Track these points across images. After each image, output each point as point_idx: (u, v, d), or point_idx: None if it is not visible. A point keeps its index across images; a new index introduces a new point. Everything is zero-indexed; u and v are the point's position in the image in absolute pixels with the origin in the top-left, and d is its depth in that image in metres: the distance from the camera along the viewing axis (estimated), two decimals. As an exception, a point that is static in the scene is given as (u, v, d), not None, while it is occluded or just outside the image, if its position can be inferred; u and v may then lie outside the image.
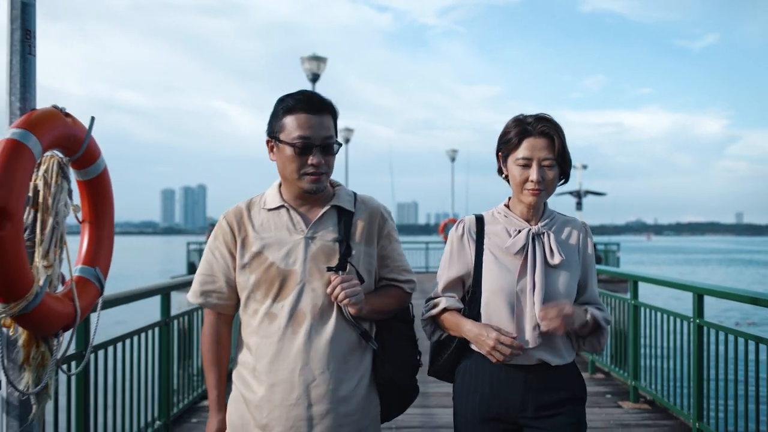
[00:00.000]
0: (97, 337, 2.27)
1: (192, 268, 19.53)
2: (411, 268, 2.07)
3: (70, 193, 1.94)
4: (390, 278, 2.00)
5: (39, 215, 1.83)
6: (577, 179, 29.64)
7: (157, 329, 4.04)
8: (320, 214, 1.91)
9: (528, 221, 2.02)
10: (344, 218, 1.92)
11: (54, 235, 1.85)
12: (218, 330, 1.97)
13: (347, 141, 23.75)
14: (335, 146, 1.89)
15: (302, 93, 1.88)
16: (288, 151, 1.85)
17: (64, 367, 2.10)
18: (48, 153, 1.88)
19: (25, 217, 1.78)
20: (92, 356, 3.14)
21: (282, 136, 1.86)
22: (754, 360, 3.41)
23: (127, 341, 3.61)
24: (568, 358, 1.99)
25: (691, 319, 4.11)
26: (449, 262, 2.05)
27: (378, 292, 1.96)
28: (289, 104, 1.86)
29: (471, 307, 2.00)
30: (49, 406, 1.98)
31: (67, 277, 1.96)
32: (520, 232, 1.99)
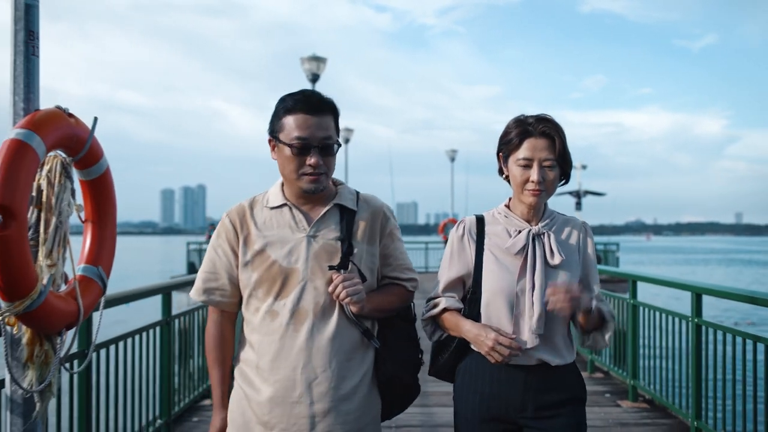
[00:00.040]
0: (97, 336, 2.28)
1: (192, 268, 19.52)
2: (413, 266, 2.07)
3: (73, 192, 1.96)
4: (392, 276, 2.01)
5: (42, 215, 1.85)
6: (576, 179, 29.66)
7: (158, 328, 4.06)
8: (322, 212, 1.92)
9: (528, 222, 2.02)
10: (346, 217, 1.93)
11: (57, 235, 1.87)
12: (221, 327, 1.98)
13: (347, 141, 23.75)
14: (334, 146, 1.88)
15: (302, 93, 1.88)
16: (287, 151, 1.85)
17: (67, 365, 2.12)
18: (51, 153, 1.89)
19: (28, 216, 1.79)
20: (94, 355, 3.16)
21: (281, 136, 1.86)
22: (752, 359, 3.43)
23: (129, 340, 3.62)
24: (568, 359, 1.99)
25: (690, 319, 4.13)
26: (449, 262, 2.06)
27: (380, 291, 1.97)
28: (288, 104, 1.86)
29: (471, 308, 2.00)
30: (52, 404, 1.99)
31: (70, 276, 1.98)
32: (520, 232, 1.99)
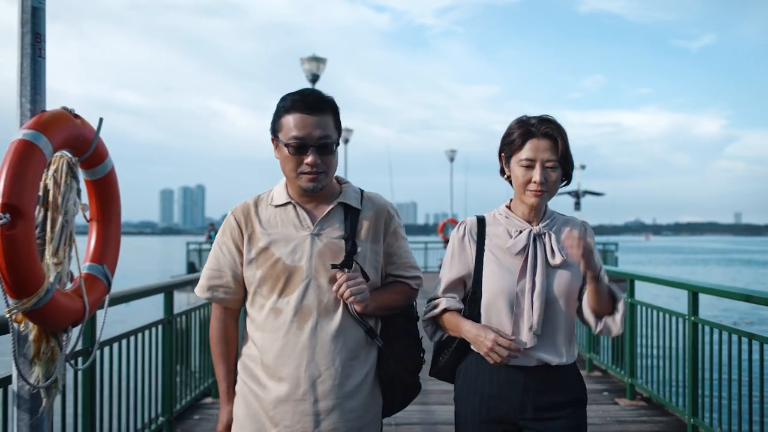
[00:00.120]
0: (101, 334, 2.31)
1: (192, 268, 19.51)
2: (418, 264, 2.08)
3: (78, 192, 1.99)
4: (396, 275, 2.02)
5: (49, 214, 1.88)
6: (575, 179, 29.68)
7: (160, 327, 4.09)
8: (327, 211, 1.93)
9: (529, 222, 2.03)
10: (350, 215, 1.94)
11: (63, 234, 1.90)
12: (226, 324, 2.00)
13: (346, 141, 23.73)
14: (333, 145, 1.88)
15: (300, 92, 1.89)
16: (285, 150, 1.87)
17: (72, 362, 2.15)
18: (58, 153, 1.92)
19: (35, 215, 1.82)
20: (98, 352, 3.19)
21: (281, 136, 1.88)
22: (748, 357, 3.46)
23: (132, 338, 3.65)
24: (568, 359, 1.98)
25: (686, 317, 4.16)
26: (450, 263, 2.07)
27: (384, 289, 1.98)
28: (287, 104, 1.87)
29: (471, 308, 2.01)
30: (57, 400, 2.02)
31: (76, 275, 2.01)
32: (521, 232, 2.00)
